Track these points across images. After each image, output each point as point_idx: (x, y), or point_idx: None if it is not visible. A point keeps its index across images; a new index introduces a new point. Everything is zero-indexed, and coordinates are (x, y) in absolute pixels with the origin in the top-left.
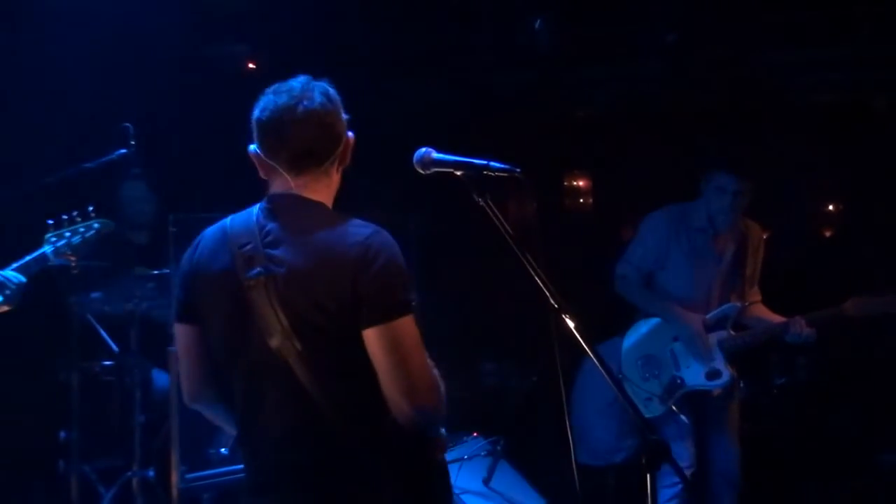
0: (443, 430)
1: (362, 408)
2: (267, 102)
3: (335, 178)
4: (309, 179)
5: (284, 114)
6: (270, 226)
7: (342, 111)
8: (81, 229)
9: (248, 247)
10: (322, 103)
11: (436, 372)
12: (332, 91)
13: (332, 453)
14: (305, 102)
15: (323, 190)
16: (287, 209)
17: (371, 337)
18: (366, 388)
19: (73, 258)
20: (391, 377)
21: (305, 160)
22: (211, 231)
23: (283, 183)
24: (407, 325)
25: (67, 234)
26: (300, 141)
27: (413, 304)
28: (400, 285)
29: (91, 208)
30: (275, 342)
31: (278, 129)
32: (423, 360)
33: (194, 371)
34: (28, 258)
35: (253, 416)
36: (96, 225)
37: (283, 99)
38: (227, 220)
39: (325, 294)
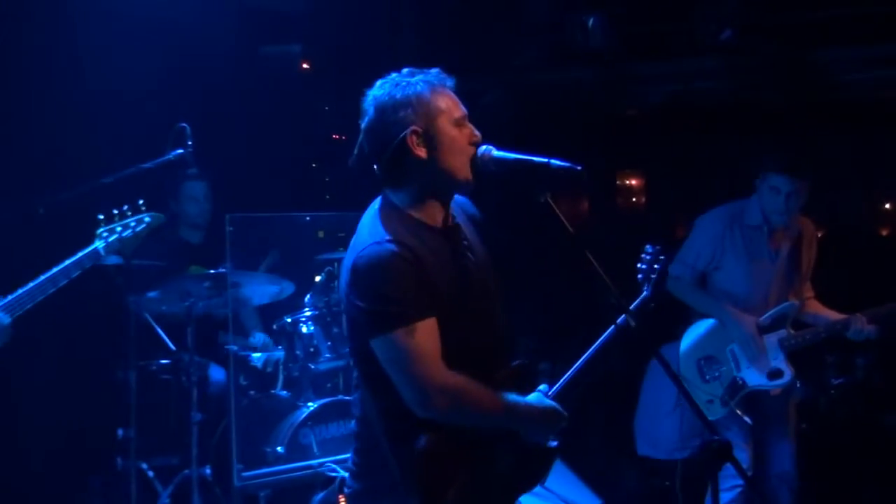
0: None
1: (388, 400)
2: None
3: (413, 178)
4: (384, 183)
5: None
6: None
7: (401, 110)
8: (132, 223)
9: None
10: (370, 120)
11: (448, 374)
12: (386, 95)
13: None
14: (362, 119)
15: (399, 193)
16: (371, 207)
17: (374, 349)
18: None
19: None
20: (398, 386)
21: (376, 168)
22: None
23: None
24: (393, 340)
25: (119, 228)
26: (363, 149)
27: (398, 318)
28: (373, 301)
29: (141, 202)
30: None
31: None
32: (421, 369)
33: None
34: (81, 254)
35: None
36: (147, 219)
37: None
38: None
39: (343, 296)
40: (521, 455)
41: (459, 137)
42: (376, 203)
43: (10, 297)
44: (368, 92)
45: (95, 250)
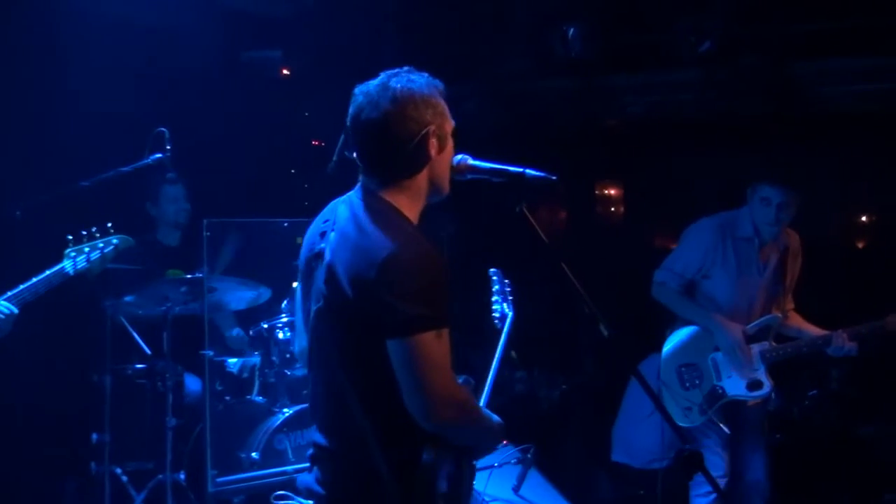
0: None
1: (387, 408)
2: (352, 101)
3: (416, 179)
4: (379, 182)
5: (353, 119)
6: (340, 209)
7: (422, 108)
8: (100, 245)
9: (325, 223)
10: (385, 111)
11: (460, 388)
12: (407, 90)
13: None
14: (367, 111)
15: (396, 192)
16: (352, 202)
17: (389, 349)
18: (390, 390)
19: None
20: (405, 392)
21: (368, 165)
22: None
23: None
24: (422, 342)
25: (86, 249)
26: (363, 147)
27: (434, 321)
28: (414, 301)
29: (110, 225)
30: (315, 309)
31: (353, 132)
32: (438, 378)
33: None
34: (48, 273)
35: None
36: (115, 241)
37: (358, 101)
38: None
39: (351, 293)
40: (471, 472)
41: (452, 148)
42: (357, 199)
43: None
44: (372, 83)
45: (63, 270)
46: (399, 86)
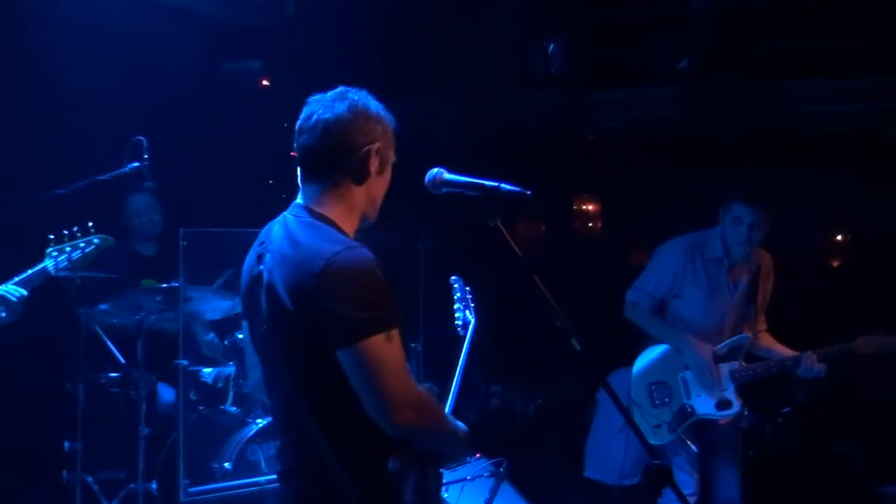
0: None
1: (344, 422)
2: (305, 107)
3: (354, 192)
4: (317, 189)
5: (304, 121)
6: (275, 230)
7: (373, 123)
8: (81, 244)
9: (260, 245)
10: (339, 114)
11: (419, 389)
12: (363, 104)
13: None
14: (321, 112)
15: (331, 203)
16: (287, 220)
17: (340, 359)
18: (346, 401)
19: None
20: (363, 398)
21: (310, 168)
22: None
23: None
24: (372, 346)
25: (68, 248)
26: (308, 147)
27: (380, 323)
28: (357, 306)
29: (91, 224)
30: (260, 333)
31: (299, 134)
32: (393, 379)
33: None
34: (30, 272)
35: None
36: (96, 240)
37: (311, 105)
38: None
39: (293, 307)
40: (437, 482)
41: (388, 178)
42: (291, 217)
43: None
44: (335, 91)
45: (45, 269)
46: (356, 97)
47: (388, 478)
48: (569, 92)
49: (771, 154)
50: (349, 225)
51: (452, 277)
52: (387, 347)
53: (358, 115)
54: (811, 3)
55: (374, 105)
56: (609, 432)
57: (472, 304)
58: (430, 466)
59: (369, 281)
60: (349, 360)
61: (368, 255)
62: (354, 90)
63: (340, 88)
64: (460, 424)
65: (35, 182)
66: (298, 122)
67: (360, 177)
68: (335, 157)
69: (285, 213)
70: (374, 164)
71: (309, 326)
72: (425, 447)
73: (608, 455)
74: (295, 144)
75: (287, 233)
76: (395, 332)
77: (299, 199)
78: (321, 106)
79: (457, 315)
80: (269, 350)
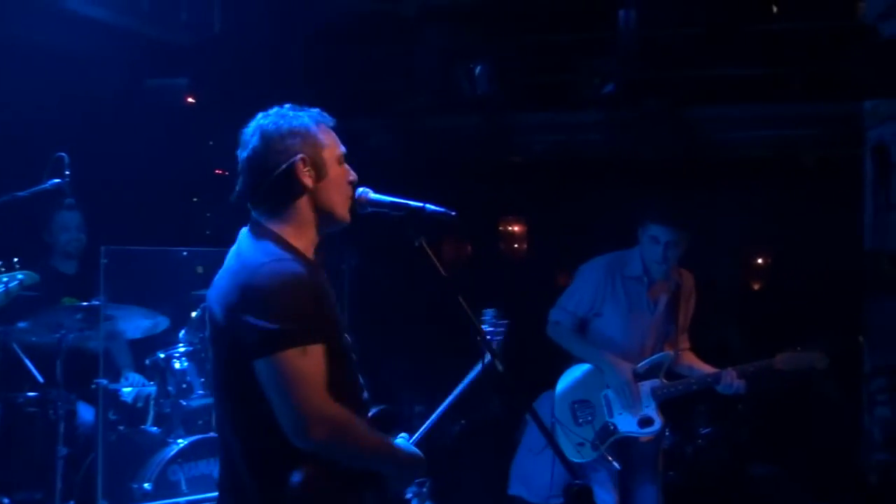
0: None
1: (258, 435)
2: None
3: (297, 206)
4: (263, 209)
5: (238, 164)
6: (232, 249)
7: (289, 139)
8: (5, 279)
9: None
10: (254, 147)
11: (334, 406)
12: (274, 126)
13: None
14: (243, 153)
15: (277, 219)
16: (241, 235)
17: (256, 370)
18: (261, 415)
19: None
20: (275, 410)
21: (249, 198)
22: None
23: None
24: (286, 359)
25: None
26: (242, 183)
27: (296, 337)
28: (275, 318)
29: (16, 260)
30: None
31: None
32: (306, 395)
33: None
34: None
35: None
36: (20, 276)
37: (238, 150)
38: None
39: (223, 320)
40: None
41: (342, 174)
42: (245, 232)
43: None
44: (250, 123)
45: None
46: (267, 122)
47: (290, 488)
48: (495, 114)
49: (693, 178)
50: (302, 240)
51: (486, 311)
52: (301, 362)
53: (271, 140)
54: (732, 31)
55: (287, 120)
56: (534, 451)
57: (498, 341)
58: (371, 490)
59: (291, 294)
60: (263, 371)
61: (294, 269)
62: (267, 114)
63: (258, 117)
64: (412, 449)
65: None
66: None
67: (296, 192)
68: (259, 184)
69: (244, 227)
70: (305, 175)
71: (233, 339)
72: (345, 463)
73: (534, 473)
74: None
75: (238, 249)
76: (313, 348)
77: (252, 217)
78: (243, 147)
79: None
80: (211, 365)
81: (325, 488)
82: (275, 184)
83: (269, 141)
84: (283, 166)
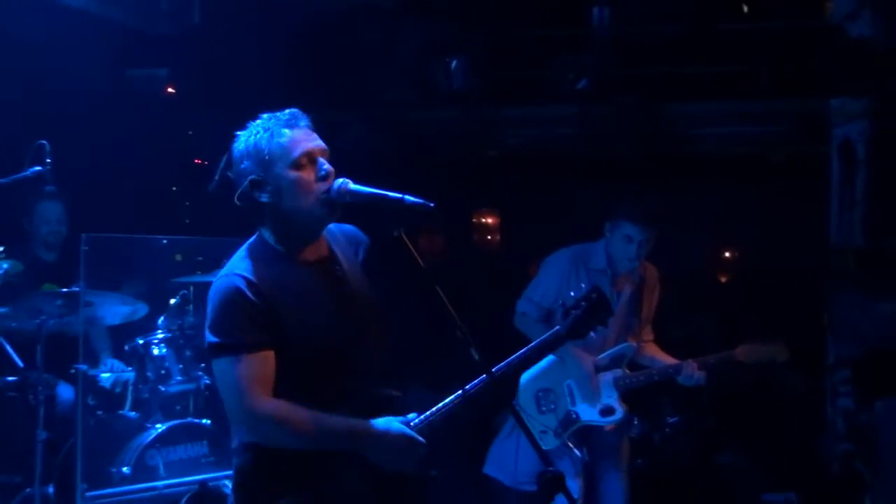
0: None
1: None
2: None
3: (274, 213)
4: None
5: None
6: None
7: (240, 165)
8: None
9: None
10: (228, 162)
11: (270, 403)
12: (235, 152)
13: None
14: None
15: (262, 224)
16: None
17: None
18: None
19: None
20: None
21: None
22: None
23: None
24: (220, 367)
25: None
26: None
27: (225, 349)
28: (211, 329)
29: (2, 248)
30: None
31: None
32: (239, 399)
33: None
34: None
35: None
36: (5, 265)
37: None
38: None
39: None
40: (376, 480)
41: (300, 178)
42: (254, 237)
43: None
44: None
45: None
46: (235, 144)
47: (237, 473)
48: (471, 108)
49: (664, 172)
50: (289, 238)
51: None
52: (235, 369)
53: (233, 164)
54: (704, 29)
55: (244, 142)
56: (505, 434)
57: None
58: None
59: (222, 308)
60: (214, 373)
61: (230, 284)
62: (241, 132)
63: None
64: (398, 427)
65: None
66: None
67: (259, 208)
68: (238, 205)
69: None
70: (259, 196)
71: None
72: (294, 448)
73: (504, 456)
74: (229, 160)
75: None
76: (244, 357)
77: None
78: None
79: None
80: None
81: (271, 471)
82: (243, 203)
83: (232, 164)
84: (239, 191)
